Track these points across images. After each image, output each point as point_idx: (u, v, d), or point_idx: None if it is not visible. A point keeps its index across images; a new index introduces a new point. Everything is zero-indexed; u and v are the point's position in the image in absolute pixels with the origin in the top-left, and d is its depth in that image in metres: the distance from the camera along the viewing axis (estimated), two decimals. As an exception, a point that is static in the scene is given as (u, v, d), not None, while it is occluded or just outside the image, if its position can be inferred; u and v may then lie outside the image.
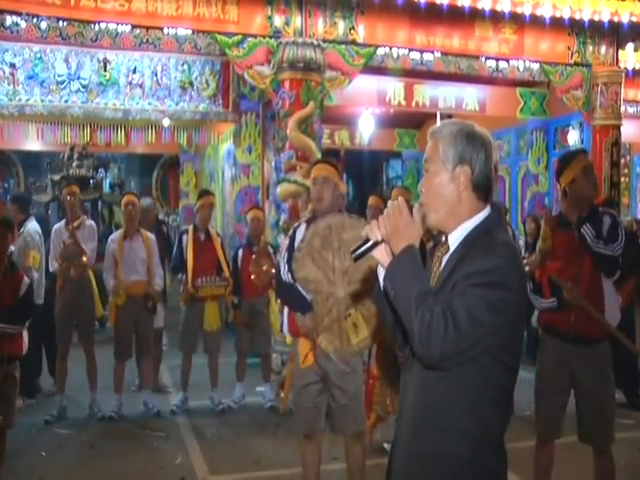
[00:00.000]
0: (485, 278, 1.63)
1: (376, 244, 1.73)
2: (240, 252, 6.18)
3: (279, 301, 6.01)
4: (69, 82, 7.54)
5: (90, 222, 6.00)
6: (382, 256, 1.73)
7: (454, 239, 1.80)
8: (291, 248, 3.66)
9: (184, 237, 6.05)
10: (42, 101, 7.49)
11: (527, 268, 3.47)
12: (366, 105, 9.93)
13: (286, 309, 3.90)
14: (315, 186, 3.61)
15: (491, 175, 1.80)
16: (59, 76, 7.50)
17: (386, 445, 4.75)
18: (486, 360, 1.67)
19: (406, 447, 1.79)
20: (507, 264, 1.67)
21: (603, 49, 8.38)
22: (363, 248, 1.74)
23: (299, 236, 3.66)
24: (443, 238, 1.85)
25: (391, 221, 1.70)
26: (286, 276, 3.65)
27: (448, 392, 1.70)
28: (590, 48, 8.33)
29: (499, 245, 1.72)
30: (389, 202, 1.75)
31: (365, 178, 16.14)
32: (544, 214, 3.62)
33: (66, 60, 7.52)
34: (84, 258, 5.57)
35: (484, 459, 1.70)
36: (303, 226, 3.71)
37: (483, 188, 1.79)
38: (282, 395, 5.19)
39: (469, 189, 1.78)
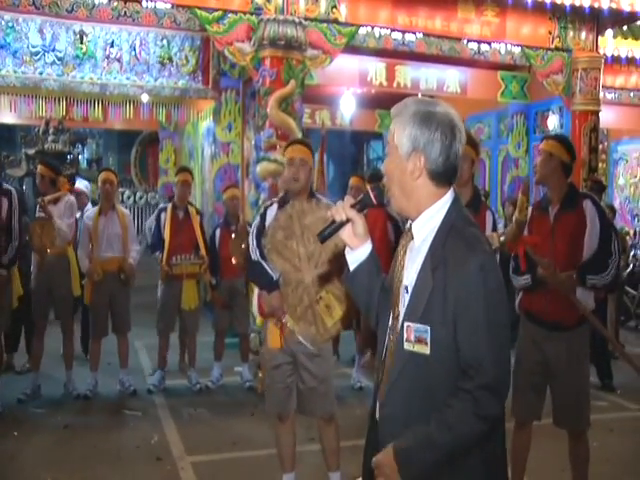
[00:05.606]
0: (486, 296, 1.61)
1: (342, 225, 1.74)
2: (217, 232, 6.13)
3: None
4: (44, 54, 7.31)
5: (69, 197, 5.86)
6: (349, 236, 1.75)
7: (417, 227, 1.73)
8: (261, 227, 3.66)
9: (162, 215, 5.98)
10: (15, 72, 7.25)
11: (502, 238, 3.41)
12: (347, 85, 9.84)
13: (256, 290, 3.89)
14: (291, 167, 3.58)
15: (453, 159, 1.68)
16: (33, 47, 7.27)
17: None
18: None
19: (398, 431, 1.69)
20: (488, 260, 1.64)
21: (583, 35, 8.41)
22: (329, 230, 1.75)
23: (270, 216, 3.65)
24: (407, 224, 1.80)
25: None
26: (254, 253, 3.66)
27: (433, 376, 1.65)
28: (571, 33, 8.35)
29: (472, 242, 1.65)
30: None
31: (346, 158, 16.08)
32: (522, 184, 3.57)
33: (40, 31, 7.28)
34: (55, 233, 5.45)
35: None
36: (275, 206, 3.69)
37: (442, 174, 1.69)
38: (260, 375, 5.19)
39: (425, 177, 1.69)
